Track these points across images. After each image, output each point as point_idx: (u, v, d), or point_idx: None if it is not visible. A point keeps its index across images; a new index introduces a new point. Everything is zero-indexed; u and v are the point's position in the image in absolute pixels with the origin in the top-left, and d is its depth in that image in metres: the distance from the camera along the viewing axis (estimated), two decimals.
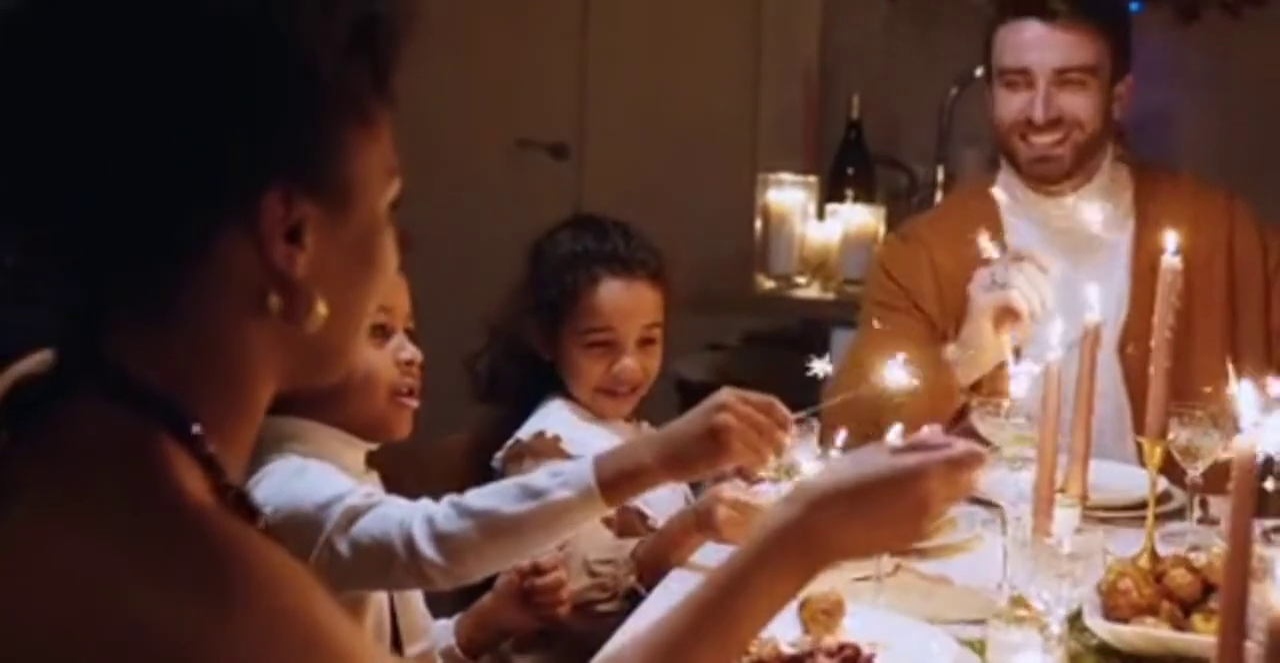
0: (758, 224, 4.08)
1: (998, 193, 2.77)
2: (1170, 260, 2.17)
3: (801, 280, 4.02)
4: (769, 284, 4.02)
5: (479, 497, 1.87)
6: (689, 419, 1.93)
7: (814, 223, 4.08)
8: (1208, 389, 2.29)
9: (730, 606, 1.30)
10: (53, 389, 1.09)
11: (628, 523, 2.39)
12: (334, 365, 1.19)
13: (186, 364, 1.09)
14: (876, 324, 2.75)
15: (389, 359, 2.00)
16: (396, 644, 2.00)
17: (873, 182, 4.42)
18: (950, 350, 2.51)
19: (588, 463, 1.88)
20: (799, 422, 2.12)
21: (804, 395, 4.17)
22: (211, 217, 1.07)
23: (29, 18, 1.05)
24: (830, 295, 3.94)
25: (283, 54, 1.08)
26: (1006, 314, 2.44)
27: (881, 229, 4.04)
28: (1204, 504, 2.43)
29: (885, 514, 1.36)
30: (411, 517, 1.84)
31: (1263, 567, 1.78)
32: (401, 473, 2.63)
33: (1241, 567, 1.40)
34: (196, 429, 1.08)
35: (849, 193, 4.28)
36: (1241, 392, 1.41)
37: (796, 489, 1.40)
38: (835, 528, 1.34)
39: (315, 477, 1.88)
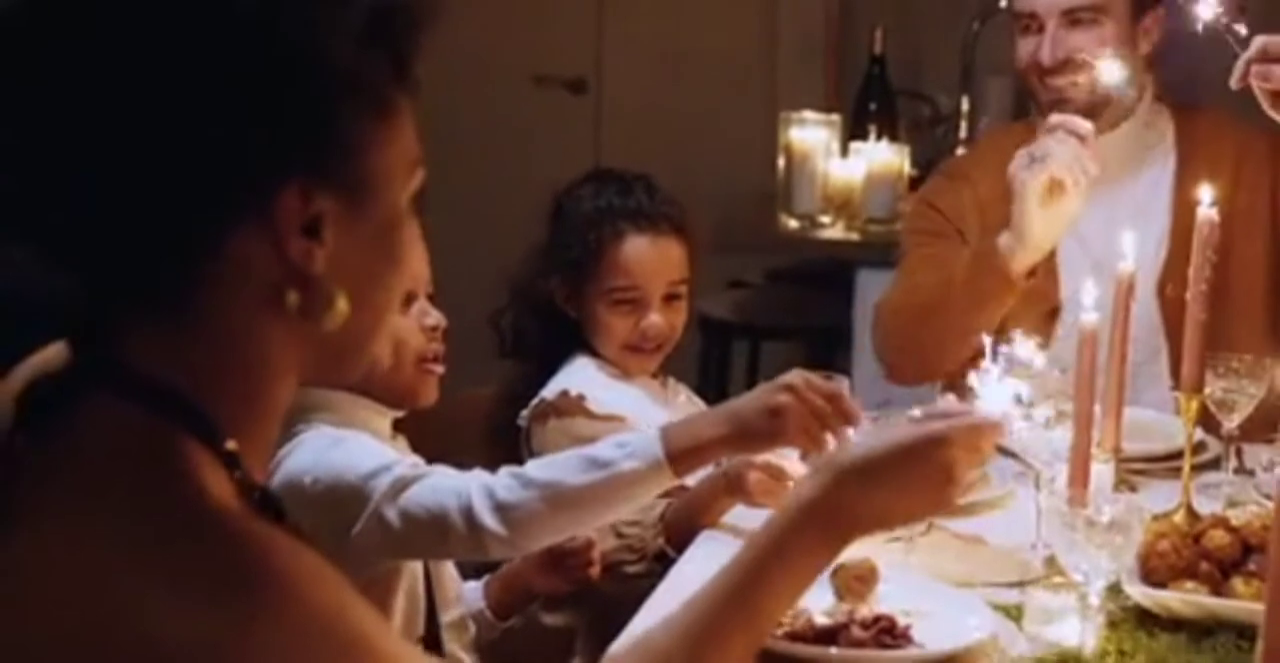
0: (780, 163, 4.02)
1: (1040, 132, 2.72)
2: (1206, 213, 2.12)
3: (825, 220, 3.97)
4: (792, 223, 3.97)
5: (541, 467, 1.86)
6: (753, 396, 1.91)
7: (837, 161, 4.02)
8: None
9: (760, 583, 1.29)
10: (69, 388, 1.06)
11: None
12: (356, 362, 1.17)
13: (204, 363, 1.07)
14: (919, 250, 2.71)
15: (414, 326, 1.97)
16: (431, 613, 1.99)
17: (895, 117, 4.37)
18: (1003, 239, 2.45)
19: (654, 435, 1.86)
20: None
21: (827, 333, 4.17)
22: (225, 212, 1.04)
23: (37, 15, 1.02)
24: (854, 236, 3.90)
25: (295, 46, 1.04)
26: (1051, 187, 2.38)
27: (906, 166, 3.99)
28: (1239, 453, 2.40)
29: (911, 482, 1.34)
30: (468, 487, 1.82)
31: None
32: (425, 428, 2.63)
33: None
34: (217, 429, 1.06)
35: (872, 129, 4.23)
36: None
37: (823, 462, 1.38)
38: (862, 499, 1.33)
39: (354, 446, 1.86)
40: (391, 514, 1.81)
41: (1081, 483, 1.81)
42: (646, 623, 1.82)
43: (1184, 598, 1.77)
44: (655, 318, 2.38)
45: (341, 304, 1.08)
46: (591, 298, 2.40)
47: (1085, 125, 2.40)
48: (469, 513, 1.79)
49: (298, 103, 1.04)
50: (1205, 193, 2.15)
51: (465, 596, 2.14)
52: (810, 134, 3.96)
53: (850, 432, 1.83)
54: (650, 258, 2.38)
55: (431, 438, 2.59)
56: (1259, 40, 2.15)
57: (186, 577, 0.98)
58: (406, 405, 2.02)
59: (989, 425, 1.40)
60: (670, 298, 2.40)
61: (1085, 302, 1.88)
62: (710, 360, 4.42)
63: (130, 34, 1.02)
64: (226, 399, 1.07)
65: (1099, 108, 2.63)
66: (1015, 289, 2.45)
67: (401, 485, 1.82)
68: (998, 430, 1.40)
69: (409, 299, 1.97)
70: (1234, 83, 2.16)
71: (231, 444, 1.07)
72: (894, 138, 4.26)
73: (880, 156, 3.94)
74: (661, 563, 2.09)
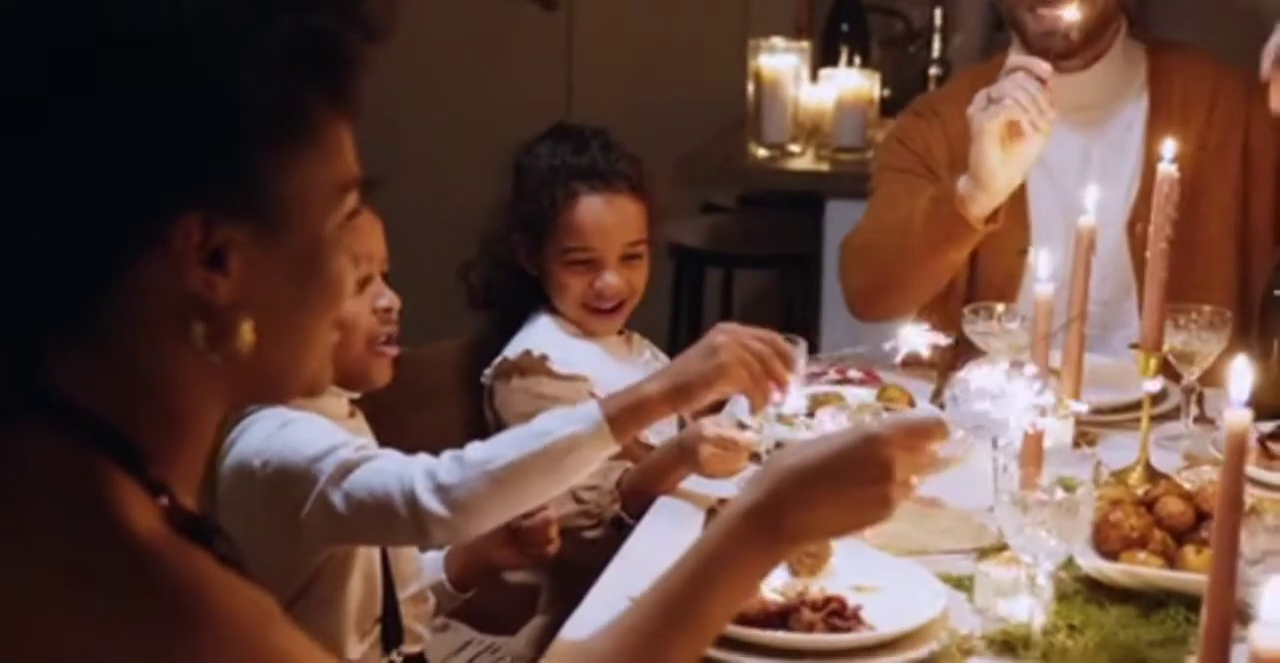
0: (750, 90, 3.97)
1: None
2: (1167, 169, 2.10)
3: (795, 148, 3.93)
4: (761, 152, 3.93)
5: (480, 447, 1.84)
6: (691, 350, 1.93)
7: (807, 87, 3.98)
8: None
9: (700, 592, 1.28)
10: None
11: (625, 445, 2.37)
12: (282, 389, 1.16)
13: (123, 391, 1.07)
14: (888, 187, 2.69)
15: (366, 308, 1.95)
16: (389, 590, 1.99)
17: (868, 35, 4.32)
18: (962, 183, 2.43)
19: (593, 402, 1.87)
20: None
21: (803, 261, 4.14)
22: (123, 242, 1.03)
23: None
24: (824, 167, 3.86)
25: (196, 79, 1.03)
26: (1010, 130, 2.35)
27: (876, 93, 3.95)
28: (1200, 400, 2.40)
29: (848, 484, 1.31)
30: (410, 471, 1.80)
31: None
32: (398, 380, 2.62)
33: (1230, 553, 1.37)
34: (141, 456, 1.06)
35: (844, 50, 4.19)
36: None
37: (762, 469, 1.37)
38: (801, 505, 1.30)
39: (302, 428, 1.85)
40: (337, 498, 1.80)
41: (1034, 463, 1.80)
42: (604, 596, 1.84)
43: (1131, 571, 1.78)
44: (611, 278, 2.36)
45: (247, 334, 1.07)
46: (549, 257, 2.38)
47: (1045, 67, 2.36)
48: (412, 497, 1.78)
49: (199, 135, 1.03)
50: (1168, 148, 2.12)
51: (425, 568, 2.14)
52: (780, 61, 3.91)
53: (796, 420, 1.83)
54: (605, 219, 2.36)
55: (403, 389, 2.60)
56: None
57: (110, 610, 0.99)
58: (360, 387, 2.01)
59: (928, 425, 1.37)
60: (628, 257, 2.38)
61: (1040, 272, 1.86)
62: (683, 289, 4.40)
63: (21, 62, 1.01)
64: (149, 426, 1.07)
65: (1085, 44, 2.59)
66: (974, 233, 2.43)
67: (347, 469, 1.81)
68: (938, 430, 1.37)
69: (363, 281, 1.95)
70: (1265, 72, 2.13)
71: (157, 472, 1.06)
72: (866, 58, 4.22)
73: (851, 83, 3.90)
74: (618, 529, 2.10)
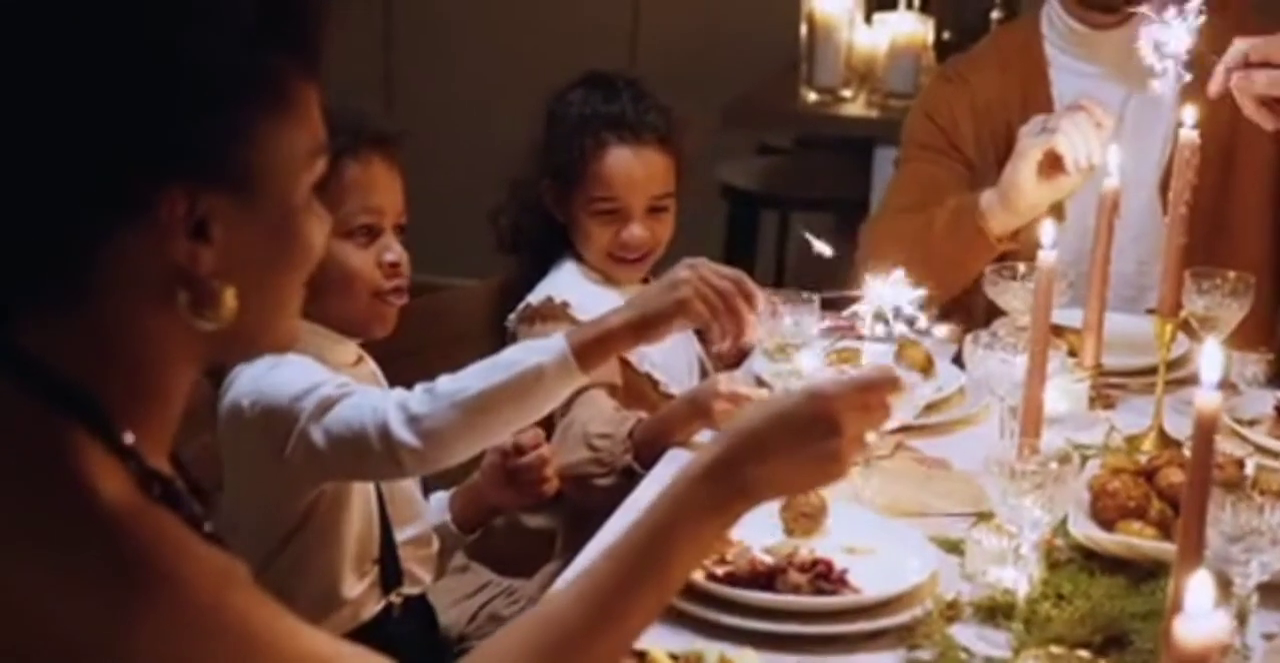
0: (803, 32, 3.95)
1: (1044, 28, 2.66)
2: (1189, 135, 2.08)
3: (847, 93, 3.91)
4: (813, 96, 3.91)
5: (450, 379, 1.87)
6: (654, 283, 1.97)
7: (861, 30, 3.95)
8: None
9: (657, 548, 1.28)
10: None
11: (639, 388, 2.39)
12: (255, 349, 1.20)
13: (100, 355, 1.09)
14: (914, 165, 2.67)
15: (372, 261, 1.98)
16: (385, 529, 2.03)
17: None
18: (986, 196, 2.42)
19: (559, 335, 1.89)
20: (827, 306, 2.09)
21: (860, 204, 4.12)
22: (108, 213, 1.06)
23: None
24: (874, 113, 3.84)
25: (175, 50, 1.05)
26: (1051, 162, 2.34)
27: (929, 37, 3.91)
28: (1227, 362, 2.38)
29: (798, 440, 1.31)
30: (384, 404, 1.84)
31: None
32: (427, 319, 2.66)
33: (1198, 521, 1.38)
34: (112, 421, 1.08)
35: None
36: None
37: (721, 431, 1.38)
38: (755, 461, 1.30)
39: (289, 369, 1.89)
40: (317, 435, 1.84)
41: (1033, 432, 1.80)
42: (603, 546, 1.87)
43: (1124, 541, 1.78)
44: (636, 230, 2.38)
45: (229, 301, 1.09)
46: (576, 206, 2.40)
47: (1109, 120, 2.33)
48: (384, 428, 1.81)
49: (178, 107, 1.05)
50: (1189, 115, 2.10)
51: (428, 510, 2.17)
52: (833, 4, 3.88)
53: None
54: (632, 170, 2.37)
55: (432, 331, 2.64)
56: (1238, 45, 2.09)
57: (78, 570, 1.02)
58: (362, 336, 2.04)
59: (875, 379, 1.36)
60: (655, 209, 2.39)
61: (1045, 240, 1.85)
62: (736, 233, 4.37)
63: (5, 35, 1.03)
64: (122, 390, 1.10)
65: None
66: (992, 249, 2.42)
67: (326, 405, 1.84)
68: (890, 384, 1.36)
69: (373, 234, 1.98)
70: (1213, 91, 2.12)
71: (129, 437, 1.09)
72: (924, 6, 4.17)
73: (904, 27, 3.86)
74: (629, 478, 2.12)
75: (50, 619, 1.01)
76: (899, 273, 1.83)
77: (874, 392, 1.36)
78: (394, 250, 1.99)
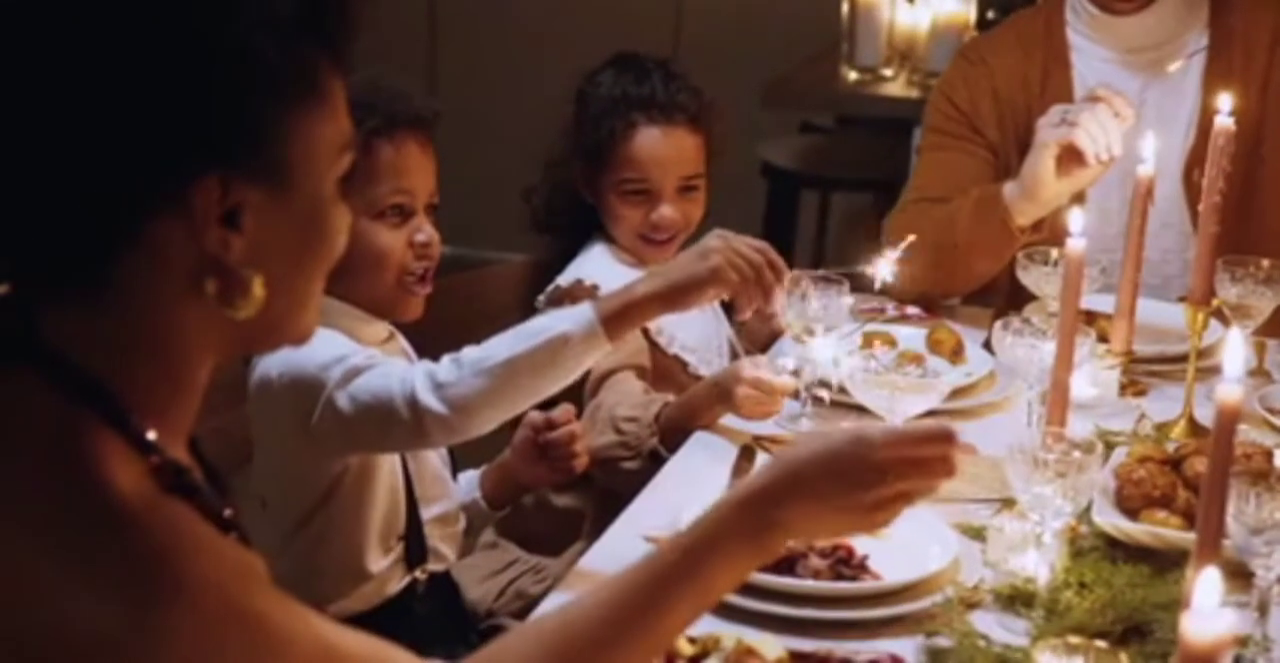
0: (844, 11, 3.93)
1: (1066, 13, 2.64)
2: (1223, 123, 2.06)
3: (888, 73, 3.90)
4: (853, 75, 3.89)
5: (478, 348, 1.87)
6: (685, 252, 1.96)
7: (903, 9, 3.93)
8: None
9: (684, 575, 1.27)
10: None
11: (668, 370, 2.40)
12: (277, 340, 1.19)
13: (123, 346, 1.10)
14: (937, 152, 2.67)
15: (403, 241, 1.98)
16: (411, 506, 2.04)
17: None
18: (1009, 188, 2.42)
19: (587, 302, 1.89)
20: (825, 280, 2.10)
21: (895, 186, 4.11)
22: (143, 202, 1.06)
23: None
24: (915, 93, 3.82)
25: (218, 41, 1.06)
26: (1070, 155, 2.32)
27: (972, 16, 3.89)
28: (1262, 351, 2.37)
29: (840, 485, 1.30)
30: (412, 373, 1.84)
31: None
32: (460, 297, 2.67)
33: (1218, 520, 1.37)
34: (132, 413, 1.08)
35: None
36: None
37: (771, 459, 1.37)
38: (791, 499, 1.30)
39: (321, 341, 1.88)
40: (343, 401, 1.84)
41: (1059, 420, 1.80)
42: (626, 530, 1.88)
43: (1150, 530, 1.78)
44: (666, 210, 2.38)
45: (258, 291, 1.10)
46: (605, 186, 2.40)
47: (1128, 111, 2.32)
48: (411, 396, 1.81)
49: (219, 98, 1.06)
50: (1225, 101, 2.08)
51: (458, 489, 2.19)
52: None
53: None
54: (662, 150, 2.37)
55: (468, 308, 2.65)
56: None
57: (95, 568, 1.02)
58: (389, 317, 2.04)
59: (932, 433, 1.34)
60: (685, 189, 2.39)
61: (1073, 227, 1.84)
62: (777, 212, 4.36)
63: (49, 25, 1.04)
64: (144, 380, 1.11)
65: None
66: (1016, 240, 2.40)
67: (354, 373, 1.85)
68: (943, 439, 1.33)
69: (405, 214, 1.98)
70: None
71: (151, 433, 1.09)
72: None
73: (946, 7, 3.84)
74: (655, 462, 2.13)
75: (65, 617, 1.01)
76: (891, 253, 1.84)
77: (926, 445, 1.34)
78: (425, 231, 2.00)
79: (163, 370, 1.12)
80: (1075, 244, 1.82)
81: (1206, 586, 1.01)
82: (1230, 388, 1.34)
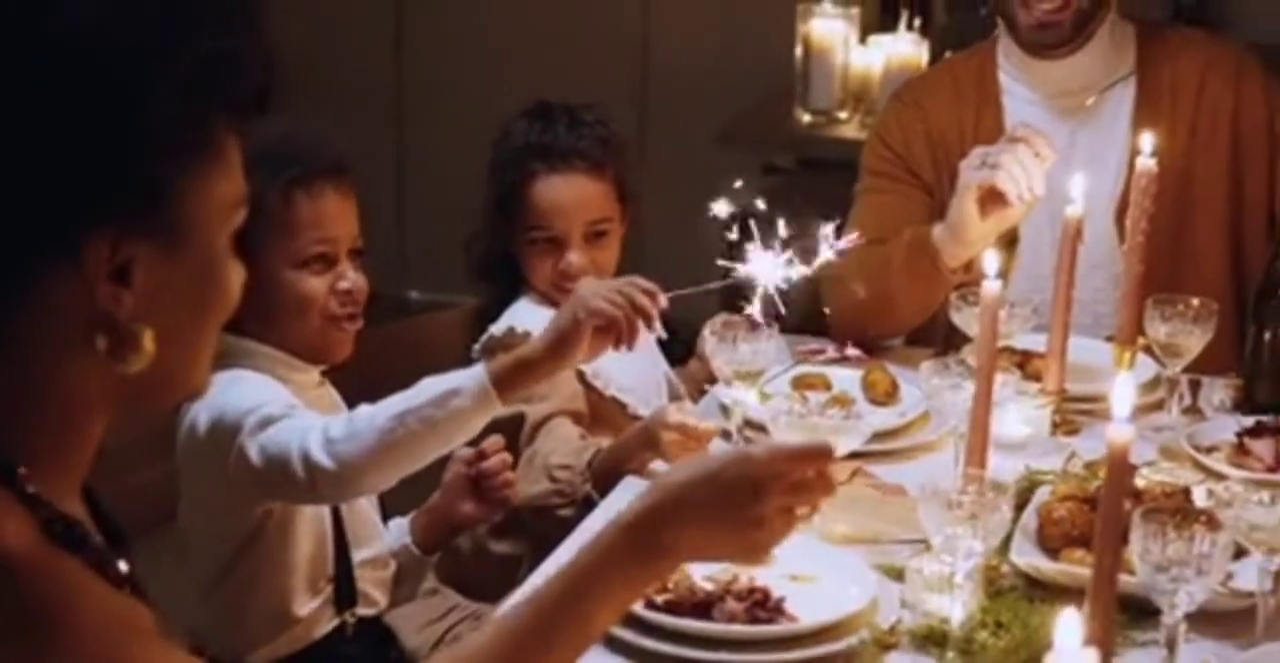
0: (798, 54, 3.96)
1: (999, 56, 2.67)
2: (1145, 164, 2.08)
3: (842, 115, 3.92)
4: (807, 117, 3.92)
5: (371, 405, 1.89)
6: (560, 308, 2.00)
7: (857, 51, 3.95)
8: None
9: (573, 603, 1.30)
10: None
11: (606, 412, 2.40)
12: (169, 393, 1.19)
13: (11, 401, 1.10)
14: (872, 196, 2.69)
15: (325, 287, 2.00)
16: (342, 550, 2.05)
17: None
18: (937, 230, 2.44)
19: (480, 364, 1.91)
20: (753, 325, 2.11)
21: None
22: (33, 257, 1.06)
23: None
24: (867, 135, 3.83)
25: (111, 100, 1.06)
26: (993, 196, 2.34)
27: (924, 59, 3.91)
28: (1196, 388, 2.38)
29: (721, 503, 1.31)
30: (312, 428, 1.85)
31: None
32: (399, 345, 2.68)
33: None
34: (15, 467, 1.09)
35: (904, 14, 4.13)
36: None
37: (650, 484, 1.38)
38: (674, 522, 1.31)
39: (247, 386, 1.92)
40: (253, 451, 1.86)
41: (979, 461, 1.81)
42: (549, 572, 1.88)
43: (1066, 570, 1.78)
44: (574, 257, 2.37)
45: (148, 345, 1.10)
46: (516, 237, 2.41)
47: (1048, 150, 2.34)
48: (305, 452, 1.82)
49: (109, 156, 1.06)
50: (1147, 142, 2.10)
51: (388, 533, 2.19)
52: (829, 26, 3.89)
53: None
54: (562, 197, 2.37)
55: (404, 356, 2.65)
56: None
57: None
58: (320, 360, 2.05)
59: (811, 450, 1.35)
60: (594, 235, 2.40)
61: (988, 270, 1.86)
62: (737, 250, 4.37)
63: None
64: (34, 435, 1.11)
65: (1075, 34, 2.55)
66: (949, 282, 2.42)
67: (267, 422, 1.86)
68: (820, 456, 1.35)
69: (328, 261, 2.00)
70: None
71: (32, 487, 1.09)
72: (928, 20, 4.14)
73: (899, 49, 3.87)
74: (589, 508, 2.13)
75: None
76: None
77: (806, 461, 1.35)
78: (348, 279, 2.01)
79: (52, 424, 1.12)
80: (991, 286, 1.84)
81: (1067, 627, 1.01)
82: (1120, 428, 1.36)
